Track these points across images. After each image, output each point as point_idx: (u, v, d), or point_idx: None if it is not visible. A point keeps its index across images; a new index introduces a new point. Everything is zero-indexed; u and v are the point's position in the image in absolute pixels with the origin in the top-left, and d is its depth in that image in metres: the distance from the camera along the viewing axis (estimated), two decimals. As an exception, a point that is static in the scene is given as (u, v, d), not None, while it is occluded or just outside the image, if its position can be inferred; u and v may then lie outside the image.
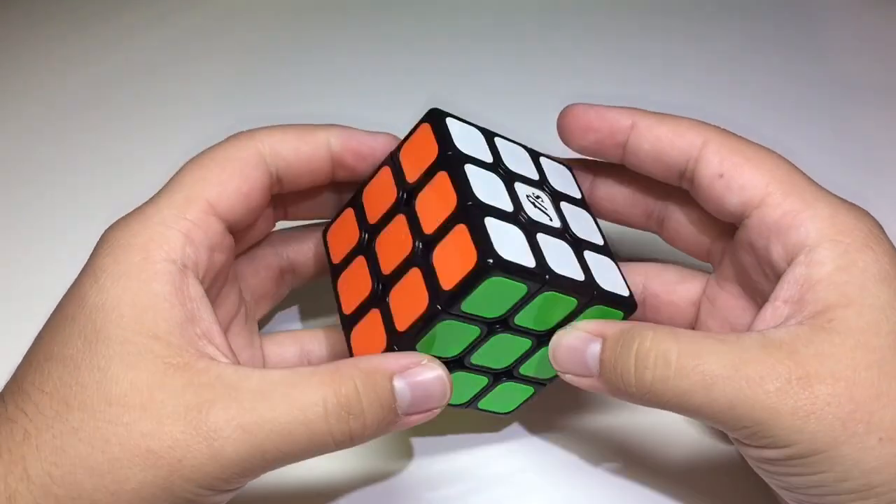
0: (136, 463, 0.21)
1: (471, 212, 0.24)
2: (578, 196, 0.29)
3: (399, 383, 0.23)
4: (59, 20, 0.54)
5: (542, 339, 0.26)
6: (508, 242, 0.24)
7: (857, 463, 0.21)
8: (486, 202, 0.24)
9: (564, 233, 0.26)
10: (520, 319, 0.25)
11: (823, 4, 0.52)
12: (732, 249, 0.27)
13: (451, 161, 0.25)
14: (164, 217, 0.24)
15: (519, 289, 0.24)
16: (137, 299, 0.23)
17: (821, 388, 0.21)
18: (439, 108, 0.27)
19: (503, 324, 0.25)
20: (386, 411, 0.23)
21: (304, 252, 0.31)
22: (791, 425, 0.21)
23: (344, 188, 0.30)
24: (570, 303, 0.25)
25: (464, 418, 0.31)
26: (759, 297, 0.27)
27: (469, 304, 0.23)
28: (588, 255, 0.26)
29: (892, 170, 0.42)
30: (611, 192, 0.30)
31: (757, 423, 0.22)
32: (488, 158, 0.27)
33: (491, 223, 0.24)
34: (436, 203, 0.25)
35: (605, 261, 0.27)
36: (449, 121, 0.27)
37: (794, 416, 0.21)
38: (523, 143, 0.29)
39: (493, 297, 0.24)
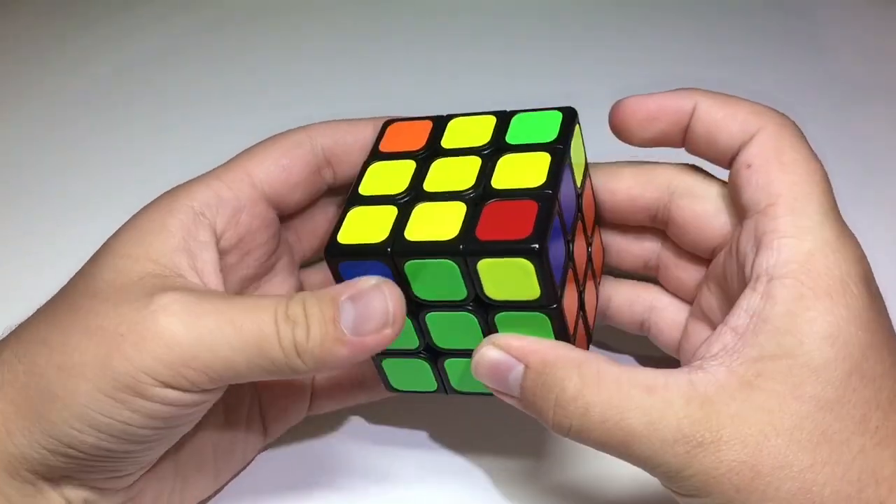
0: (83, 338, 0.23)
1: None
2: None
3: (345, 301, 0.24)
4: (61, 20, 0.54)
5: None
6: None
7: None
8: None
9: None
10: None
11: (823, 4, 0.52)
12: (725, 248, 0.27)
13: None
14: (203, 179, 0.27)
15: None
16: (148, 225, 0.25)
17: (727, 454, 0.21)
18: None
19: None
20: (329, 324, 0.23)
21: None
22: (691, 485, 0.22)
23: None
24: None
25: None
26: (729, 301, 0.26)
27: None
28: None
29: (893, 170, 0.42)
30: (612, 197, 0.29)
31: (662, 477, 0.22)
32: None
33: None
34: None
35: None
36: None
37: (695, 477, 0.22)
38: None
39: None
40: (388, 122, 0.28)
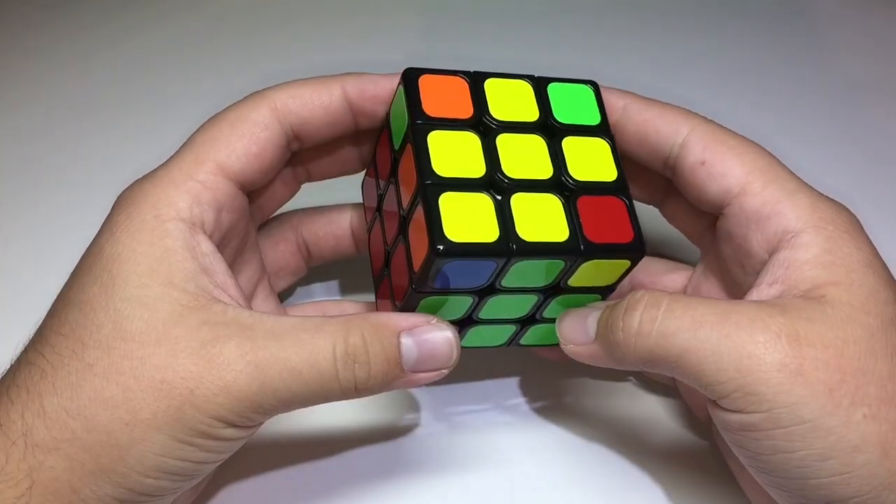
0: (149, 393, 0.22)
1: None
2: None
3: (406, 340, 0.24)
4: (60, 20, 0.54)
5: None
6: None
7: (841, 439, 0.20)
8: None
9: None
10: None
11: (824, 4, 0.52)
12: (714, 241, 0.27)
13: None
14: (173, 178, 0.25)
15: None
16: (151, 251, 0.23)
17: (809, 351, 0.21)
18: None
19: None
20: (391, 365, 0.23)
21: (315, 232, 0.32)
22: (777, 382, 0.21)
23: (365, 140, 0.29)
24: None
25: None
26: (736, 290, 0.27)
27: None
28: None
29: (893, 170, 0.42)
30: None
31: (741, 374, 0.21)
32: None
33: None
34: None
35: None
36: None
37: (780, 371, 0.21)
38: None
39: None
40: (411, 73, 0.26)
